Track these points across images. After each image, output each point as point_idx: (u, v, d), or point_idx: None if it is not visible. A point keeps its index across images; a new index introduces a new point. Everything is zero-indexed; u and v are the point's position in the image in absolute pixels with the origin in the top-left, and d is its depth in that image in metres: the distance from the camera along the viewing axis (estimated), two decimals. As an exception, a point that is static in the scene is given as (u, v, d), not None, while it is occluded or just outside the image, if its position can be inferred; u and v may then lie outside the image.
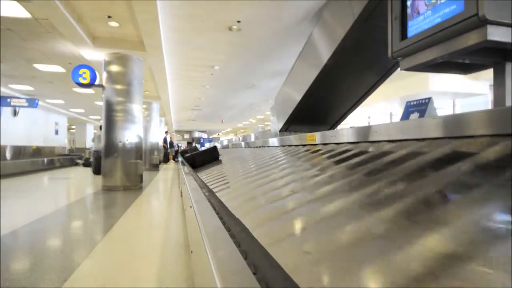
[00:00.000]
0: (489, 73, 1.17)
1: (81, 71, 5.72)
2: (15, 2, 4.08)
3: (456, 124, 0.95)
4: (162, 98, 10.49)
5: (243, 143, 5.45)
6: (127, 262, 2.19)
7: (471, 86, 8.23)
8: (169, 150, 14.52)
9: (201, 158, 3.73)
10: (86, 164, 11.90)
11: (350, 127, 1.76)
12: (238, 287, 0.55)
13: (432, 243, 0.57)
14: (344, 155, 1.51)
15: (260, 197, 1.41)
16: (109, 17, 4.60)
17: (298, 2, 3.93)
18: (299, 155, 2.10)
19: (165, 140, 13.95)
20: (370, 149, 1.38)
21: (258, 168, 2.24)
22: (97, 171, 7.85)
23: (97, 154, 8.17)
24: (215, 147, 4.34)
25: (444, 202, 0.71)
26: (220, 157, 4.46)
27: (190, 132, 27.64)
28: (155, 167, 10.99)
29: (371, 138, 1.44)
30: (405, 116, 1.97)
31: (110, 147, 5.69)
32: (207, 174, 3.18)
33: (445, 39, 1.07)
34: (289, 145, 2.71)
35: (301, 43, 3.98)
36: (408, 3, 1.22)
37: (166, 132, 14.75)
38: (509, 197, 0.60)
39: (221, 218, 1.09)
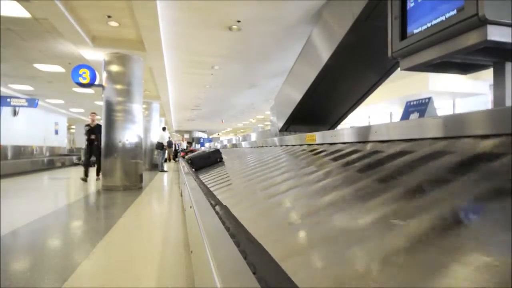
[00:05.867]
0: (489, 73, 1.17)
1: (81, 71, 5.73)
2: (15, 2, 4.08)
3: (456, 124, 0.95)
4: (162, 98, 10.48)
5: (243, 143, 5.46)
6: (127, 262, 2.19)
7: (471, 86, 8.23)
8: (167, 150, 13.81)
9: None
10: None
11: (350, 127, 1.76)
12: (238, 287, 0.55)
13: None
14: (344, 156, 1.51)
15: (259, 193, 1.41)
16: (109, 17, 4.60)
17: (298, 2, 3.93)
18: (298, 155, 2.10)
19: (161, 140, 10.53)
20: (371, 150, 1.38)
21: (258, 166, 2.24)
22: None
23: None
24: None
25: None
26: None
27: (190, 132, 27.64)
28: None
29: (371, 138, 1.45)
30: (405, 116, 1.97)
31: (110, 147, 5.69)
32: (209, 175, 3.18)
33: (445, 39, 1.07)
34: (289, 145, 2.71)
35: (301, 43, 3.98)
36: (409, 3, 1.23)
37: (164, 129, 11.25)
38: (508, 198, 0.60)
39: (220, 218, 1.09)
